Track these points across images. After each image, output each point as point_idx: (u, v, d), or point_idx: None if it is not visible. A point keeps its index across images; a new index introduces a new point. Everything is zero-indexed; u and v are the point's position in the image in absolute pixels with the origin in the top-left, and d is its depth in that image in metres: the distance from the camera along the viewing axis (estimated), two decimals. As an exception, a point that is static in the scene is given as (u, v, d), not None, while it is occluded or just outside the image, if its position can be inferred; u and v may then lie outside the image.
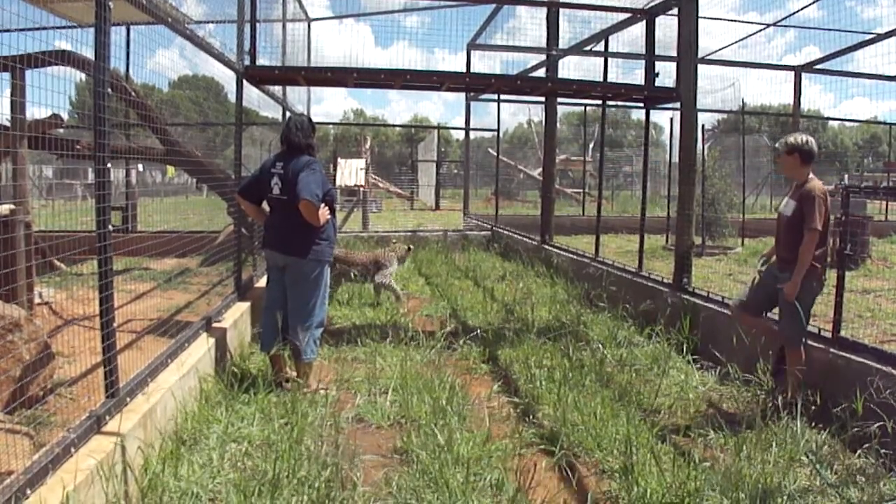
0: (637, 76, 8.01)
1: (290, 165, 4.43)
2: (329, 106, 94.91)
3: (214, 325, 4.81)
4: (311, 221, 4.33)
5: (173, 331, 4.23)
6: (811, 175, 4.34)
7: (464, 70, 8.08)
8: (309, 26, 10.81)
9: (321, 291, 4.57)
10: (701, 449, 3.69)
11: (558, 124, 11.76)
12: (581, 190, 19.95)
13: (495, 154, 15.54)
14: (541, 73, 10.11)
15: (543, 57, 9.91)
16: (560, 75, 9.30)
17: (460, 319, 6.77)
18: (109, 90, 2.99)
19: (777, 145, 4.51)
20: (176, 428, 3.55)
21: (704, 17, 11.14)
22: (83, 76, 5.31)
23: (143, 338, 4.40)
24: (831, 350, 4.20)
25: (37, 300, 5.29)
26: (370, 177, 16.44)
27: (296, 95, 10.15)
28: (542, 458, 3.61)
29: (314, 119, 4.84)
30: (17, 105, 4.06)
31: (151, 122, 7.37)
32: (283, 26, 9.15)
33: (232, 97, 6.04)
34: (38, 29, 4.18)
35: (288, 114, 8.84)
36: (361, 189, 14.27)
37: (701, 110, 9.75)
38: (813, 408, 3.77)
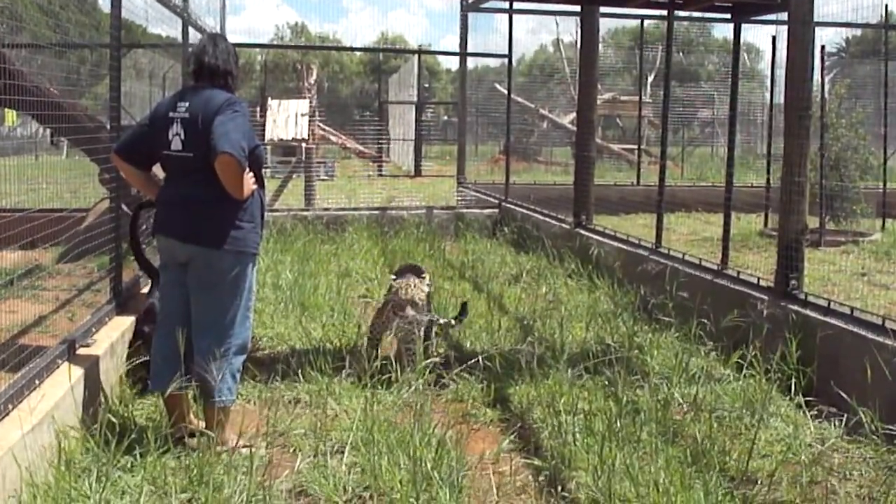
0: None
1: (201, 106, 4.37)
2: (252, 18, 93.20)
3: (81, 351, 4.78)
4: (232, 190, 4.27)
5: (16, 361, 4.19)
6: None
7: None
8: None
9: (243, 300, 4.55)
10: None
11: (601, 46, 11.76)
12: (636, 146, 20.01)
13: (505, 92, 15.55)
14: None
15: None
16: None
17: (453, 340, 6.77)
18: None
19: None
20: (21, 508, 3.53)
21: None
22: None
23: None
24: None
25: None
26: (317, 126, 16.40)
27: (202, 2, 10.09)
28: (577, 550, 3.62)
29: (231, 39, 4.81)
30: None
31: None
32: None
33: (105, 6, 5.99)
34: None
35: (192, 31, 8.79)
36: (304, 145, 14.24)
37: (819, 24, 9.70)
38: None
